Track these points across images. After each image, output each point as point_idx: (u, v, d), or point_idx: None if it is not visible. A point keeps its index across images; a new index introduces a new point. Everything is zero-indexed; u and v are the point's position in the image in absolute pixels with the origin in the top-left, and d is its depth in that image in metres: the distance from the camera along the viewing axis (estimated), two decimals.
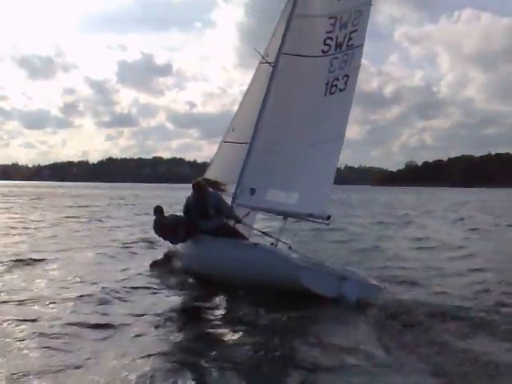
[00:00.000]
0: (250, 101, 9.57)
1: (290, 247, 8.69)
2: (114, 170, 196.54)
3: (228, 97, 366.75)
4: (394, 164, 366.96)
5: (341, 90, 8.41)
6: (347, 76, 8.38)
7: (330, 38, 8.48)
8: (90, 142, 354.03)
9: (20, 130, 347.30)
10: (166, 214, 9.61)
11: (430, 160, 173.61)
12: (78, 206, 31.04)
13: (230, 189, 9.02)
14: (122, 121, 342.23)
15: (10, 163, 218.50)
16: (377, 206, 36.30)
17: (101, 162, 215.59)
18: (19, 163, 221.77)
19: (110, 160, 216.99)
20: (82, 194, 58.65)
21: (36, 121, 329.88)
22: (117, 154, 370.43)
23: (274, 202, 8.57)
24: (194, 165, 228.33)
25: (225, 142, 10.12)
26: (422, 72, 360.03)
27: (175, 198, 25.19)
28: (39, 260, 9.70)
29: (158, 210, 9.52)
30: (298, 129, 8.68)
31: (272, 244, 8.62)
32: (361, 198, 52.57)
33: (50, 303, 6.52)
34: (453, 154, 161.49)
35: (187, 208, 8.81)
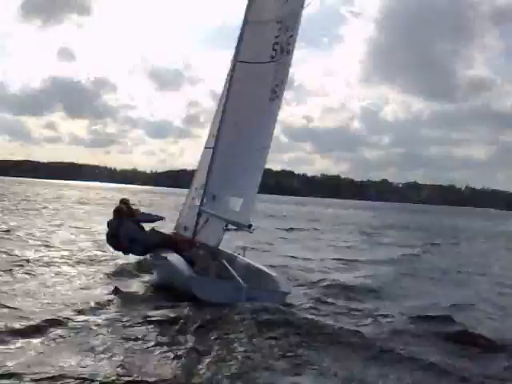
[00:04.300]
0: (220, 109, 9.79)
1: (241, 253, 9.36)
2: None
3: (347, 112, 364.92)
4: None
5: (277, 97, 8.43)
6: (282, 82, 8.40)
7: (277, 43, 8.45)
8: None
9: (143, 139, 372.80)
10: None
11: None
12: None
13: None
14: None
15: (130, 168, 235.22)
16: None
17: None
18: (138, 169, 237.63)
19: None
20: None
21: (159, 130, 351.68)
22: None
23: (224, 208, 8.71)
24: (303, 178, 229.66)
25: (206, 148, 10.45)
26: None
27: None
28: None
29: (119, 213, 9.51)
30: (248, 134, 8.82)
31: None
32: None
33: None
34: None
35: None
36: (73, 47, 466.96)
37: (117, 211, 9.22)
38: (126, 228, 8.94)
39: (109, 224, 9.33)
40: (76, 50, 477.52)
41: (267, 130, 8.65)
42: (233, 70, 9.12)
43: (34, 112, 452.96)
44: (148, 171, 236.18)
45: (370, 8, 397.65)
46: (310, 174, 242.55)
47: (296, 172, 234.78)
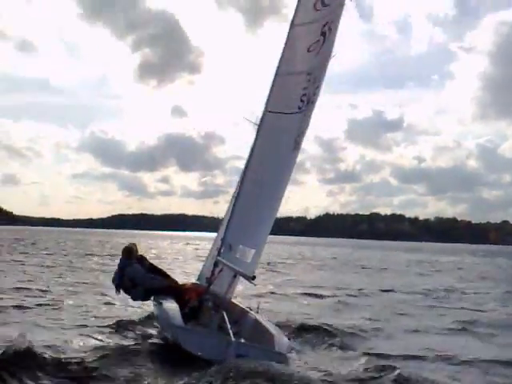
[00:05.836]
0: None
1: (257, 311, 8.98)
2: (329, 226, 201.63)
3: (462, 150, 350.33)
4: None
5: (298, 147, 8.43)
6: (303, 133, 8.42)
7: (305, 95, 8.37)
8: (311, 198, 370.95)
9: None
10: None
11: None
12: None
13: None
14: (345, 177, 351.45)
15: None
16: None
17: (318, 218, 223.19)
18: None
19: (327, 216, 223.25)
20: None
21: None
22: (336, 209, 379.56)
23: (238, 259, 8.42)
24: (414, 222, 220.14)
25: (233, 197, 10.06)
26: None
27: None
28: None
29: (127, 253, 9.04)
30: (269, 184, 8.67)
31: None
32: None
33: None
34: None
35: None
36: (184, 104, 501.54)
37: (127, 251, 8.90)
38: (132, 269, 8.64)
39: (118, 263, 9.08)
40: (187, 107, 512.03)
41: (286, 180, 8.54)
42: (261, 120, 8.92)
43: (150, 168, 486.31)
44: None
45: (481, 42, 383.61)
46: (422, 217, 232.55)
47: (407, 216, 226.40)
